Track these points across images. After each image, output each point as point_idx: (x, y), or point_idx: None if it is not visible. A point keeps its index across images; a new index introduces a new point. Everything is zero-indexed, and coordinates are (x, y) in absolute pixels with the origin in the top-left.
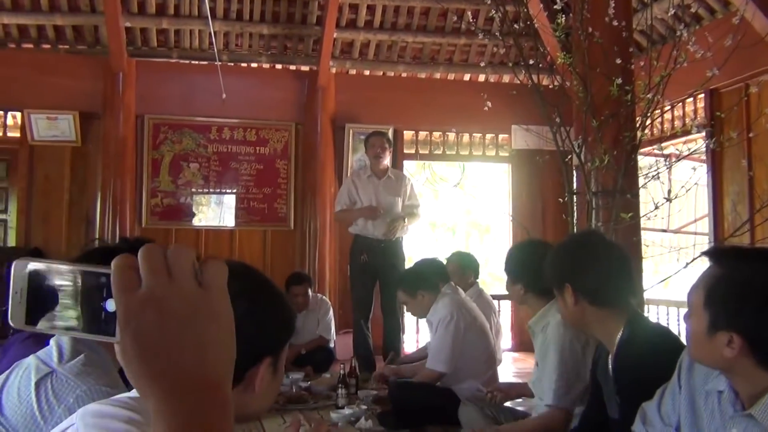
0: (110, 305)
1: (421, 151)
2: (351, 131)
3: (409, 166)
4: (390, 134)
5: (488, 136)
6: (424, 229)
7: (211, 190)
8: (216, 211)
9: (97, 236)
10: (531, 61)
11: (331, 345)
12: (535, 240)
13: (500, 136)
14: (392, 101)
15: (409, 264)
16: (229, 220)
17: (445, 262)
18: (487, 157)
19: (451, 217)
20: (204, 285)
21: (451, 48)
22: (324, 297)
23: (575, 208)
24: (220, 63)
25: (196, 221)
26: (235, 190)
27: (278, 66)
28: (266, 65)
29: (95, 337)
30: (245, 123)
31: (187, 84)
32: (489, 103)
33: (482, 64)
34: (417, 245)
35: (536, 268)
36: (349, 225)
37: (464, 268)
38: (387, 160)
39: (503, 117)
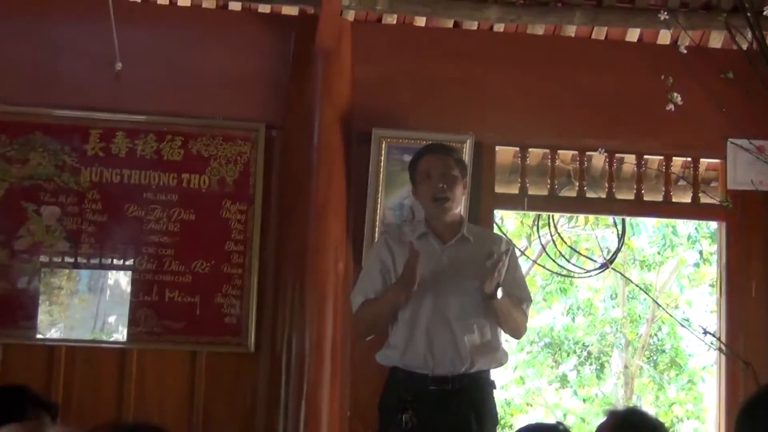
0: None
1: (532, 191)
2: (384, 144)
3: (508, 223)
4: (467, 150)
5: (675, 161)
6: (538, 356)
7: (83, 261)
8: (90, 309)
9: None
10: None
11: None
12: None
13: (703, 163)
14: (474, 84)
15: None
16: (117, 329)
17: None
18: (675, 206)
19: (596, 333)
20: None
21: None
22: None
23: None
24: None
25: (46, 328)
26: (131, 263)
27: (234, 4)
28: (209, 3)
29: None
30: (161, 123)
31: (42, 38)
32: (678, 96)
33: (662, 15)
34: (514, 390)
35: None
36: (376, 335)
37: None
38: (461, 205)
39: (707, 124)
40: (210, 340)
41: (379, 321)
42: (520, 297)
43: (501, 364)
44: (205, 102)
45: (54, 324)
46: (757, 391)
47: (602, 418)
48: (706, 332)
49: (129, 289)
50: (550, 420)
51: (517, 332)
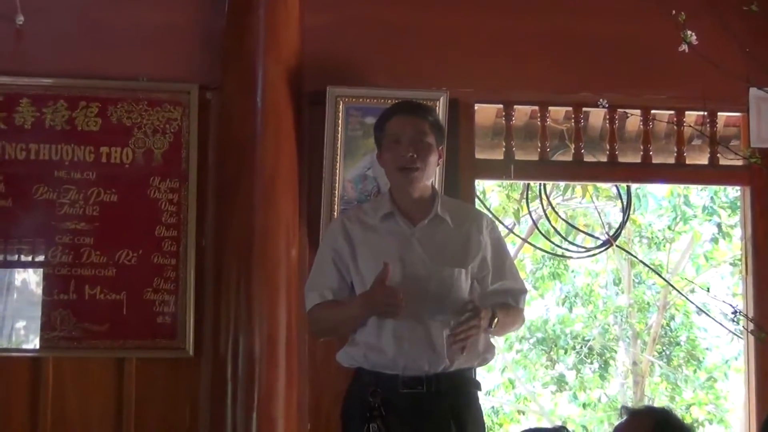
0: None
1: (519, 157)
2: (341, 105)
3: (491, 196)
4: (441, 109)
5: (689, 115)
6: (529, 355)
7: None
8: None
9: None
10: None
11: None
12: None
13: (720, 117)
14: (447, 31)
15: None
16: (28, 335)
17: None
18: (689, 170)
19: (597, 325)
20: None
21: None
22: None
23: None
24: None
25: None
26: (43, 256)
27: None
28: None
29: None
30: (73, 87)
31: None
32: (692, 35)
33: None
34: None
35: None
36: (339, 339)
37: None
38: (433, 177)
39: (727, 70)
40: (140, 345)
41: (339, 331)
42: (513, 291)
43: (486, 361)
44: (124, 61)
45: None
46: None
47: (619, 419)
48: (736, 312)
49: (41, 291)
50: (550, 425)
51: (514, 331)
